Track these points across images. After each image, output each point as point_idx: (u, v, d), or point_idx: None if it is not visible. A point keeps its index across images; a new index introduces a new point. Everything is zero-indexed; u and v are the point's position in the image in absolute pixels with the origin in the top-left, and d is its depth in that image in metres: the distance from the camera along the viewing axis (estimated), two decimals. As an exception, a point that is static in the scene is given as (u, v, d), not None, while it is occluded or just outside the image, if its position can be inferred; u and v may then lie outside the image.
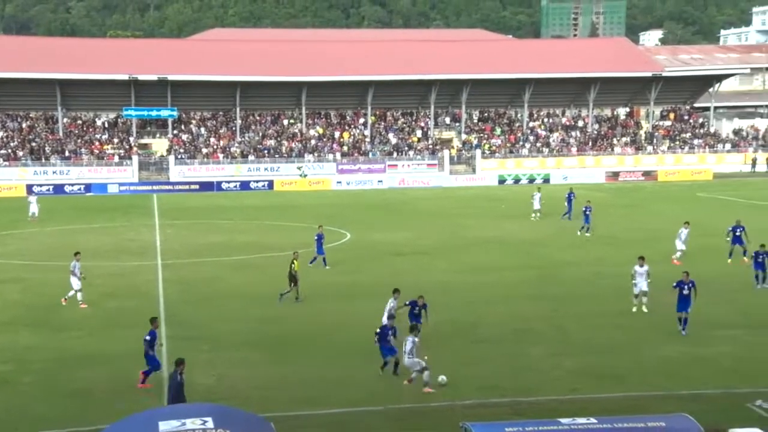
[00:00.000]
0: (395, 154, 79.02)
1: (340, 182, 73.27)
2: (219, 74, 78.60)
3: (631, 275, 25.57)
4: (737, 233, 33.59)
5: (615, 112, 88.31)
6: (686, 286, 22.56)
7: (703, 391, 17.59)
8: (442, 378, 18.63)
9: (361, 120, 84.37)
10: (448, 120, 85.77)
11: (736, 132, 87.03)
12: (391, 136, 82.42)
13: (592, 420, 10.63)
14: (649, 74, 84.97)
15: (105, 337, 22.85)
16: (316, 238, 33.33)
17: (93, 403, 17.66)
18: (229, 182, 71.93)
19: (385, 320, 20.54)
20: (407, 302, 21.79)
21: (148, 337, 18.76)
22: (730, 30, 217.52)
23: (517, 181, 74.37)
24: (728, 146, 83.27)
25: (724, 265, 31.95)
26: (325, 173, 75.23)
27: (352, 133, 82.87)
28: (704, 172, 75.52)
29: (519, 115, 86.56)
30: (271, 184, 72.31)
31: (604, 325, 22.20)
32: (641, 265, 25.45)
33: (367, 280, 30.52)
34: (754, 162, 78.90)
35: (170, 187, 70.11)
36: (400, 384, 18.59)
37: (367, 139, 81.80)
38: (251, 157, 77.13)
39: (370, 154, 78.91)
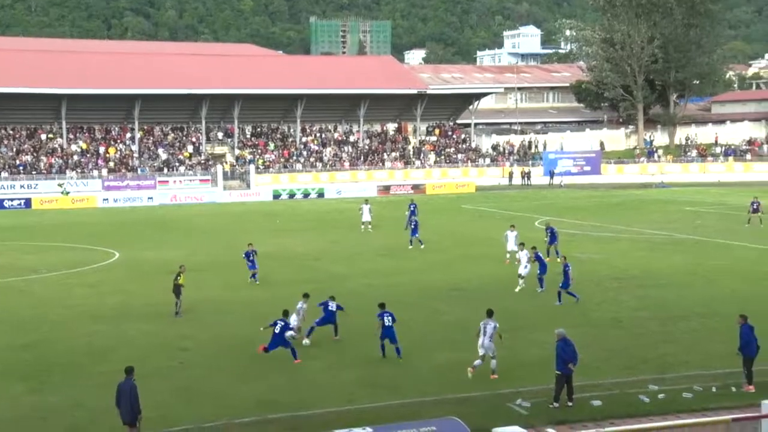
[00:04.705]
0: (166, 170, 76.88)
1: (106, 199, 70.13)
2: (-39, 85, 72.64)
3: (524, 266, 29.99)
4: (549, 233, 36.43)
5: (384, 128, 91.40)
6: (568, 266, 27.67)
7: (470, 394, 18.52)
8: (306, 341, 22.30)
9: (128, 135, 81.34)
10: (220, 135, 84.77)
11: (495, 147, 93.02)
12: (160, 151, 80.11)
13: (368, 429, 10.89)
14: (414, 91, 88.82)
15: None
16: (244, 256, 32.21)
17: None
18: (-21, 201, 66.68)
19: (295, 321, 22.74)
20: (319, 303, 23.55)
21: (291, 325, 21.79)
22: (485, 51, 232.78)
23: (292, 195, 74.88)
24: (488, 161, 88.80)
25: (486, 272, 33.91)
26: (90, 190, 71.66)
27: (118, 148, 79.65)
28: (468, 185, 79.97)
29: (292, 130, 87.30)
30: (28, 202, 67.82)
31: (377, 335, 22.76)
32: (522, 250, 30.73)
33: (137, 300, 29.40)
34: (510, 175, 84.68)
35: None
36: (171, 408, 17.99)
37: (135, 155, 78.99)
38: (4, 174, 71.93)
39: (139, 170, 76.28)
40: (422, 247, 40.34)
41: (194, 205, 69.48)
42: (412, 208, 46.81)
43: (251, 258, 32.29)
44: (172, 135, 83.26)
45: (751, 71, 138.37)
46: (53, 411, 18.03)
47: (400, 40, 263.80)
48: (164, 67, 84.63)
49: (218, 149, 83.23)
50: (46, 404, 18.45)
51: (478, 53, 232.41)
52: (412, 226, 41.77)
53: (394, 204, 63.04)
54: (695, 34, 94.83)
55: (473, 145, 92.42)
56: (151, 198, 71.16)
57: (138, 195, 71.47)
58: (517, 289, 29.69)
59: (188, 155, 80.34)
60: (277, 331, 21.38)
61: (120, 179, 73.86)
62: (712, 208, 57.62)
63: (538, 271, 29.74)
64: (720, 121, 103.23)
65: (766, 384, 18.33)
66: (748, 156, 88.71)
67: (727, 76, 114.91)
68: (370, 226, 47.66)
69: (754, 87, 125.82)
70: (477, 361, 19.60)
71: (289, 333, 21.50)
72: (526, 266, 30.12)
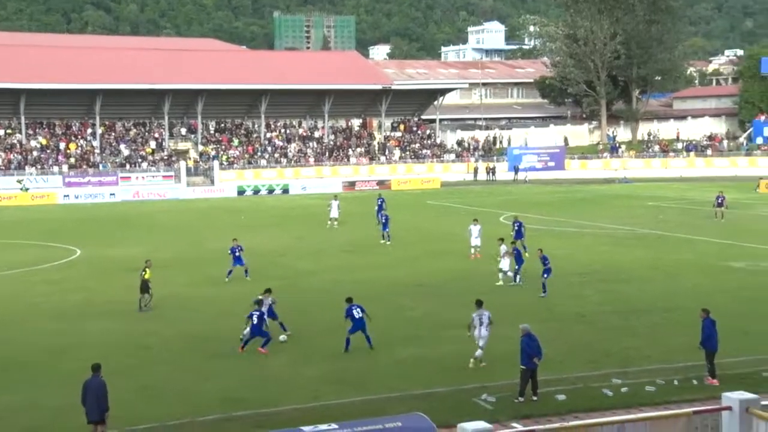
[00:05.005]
0: (128, 166, 76.06)
1: (67, 196, 69.20)
2: None
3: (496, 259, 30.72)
4: (517, 227, 36.43)
5: (349, 123, 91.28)
6: (546, 258, 28.14)
7: (435, 389, 18.56)
8: (282, 337, 22.05)
9: (89, 130, 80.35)
10: (183, 131, 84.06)
11: (459, 143, 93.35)
12: (122, 147, 79.26)
13: (333, 426, 10.81)
14: (379, 87, 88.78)
15: None
16: (229, 251, 32.03)
17: None
18: (-64, 198, 65.43)
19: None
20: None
21: (265, 317, 21.91)
22: (449, 47, 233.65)
23: (256, 192, 74.49)
24: (453, 156, 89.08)
25: (451, 267, 34.03)
26: (50, 186, 70.66)
27: (79, 144, 78.64)
28: (433, 181, 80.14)
29: (256, 125, 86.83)
30: (-13, 199, 66.76)
31: (342, 331, 22.79)
32: (501, 245, 30.80)
33: (99, 298, 29.08)
34: (476, 171, 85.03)
35: None
36: (134, 407, 17.80)
37: (97, 151, 78.06)
38: (-37, 171, 70.72)
39: (101, 166, 75.37)
40: (389, 243, 40.39)
41: (157, 201, 68.83)
42: (380, 203, 46.90)
43: (237, 254, 32.15)
44: (134, 130, 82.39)
45: (711, 67, 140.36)
46: (11, 411, 17.75)
47: (364, 35, 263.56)
48: (126, 61, 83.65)
49: (181, 145, 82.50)
50: (3, 404, 18.15)
51: (443, 49, 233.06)
52: (383, 221, 41.77)
53: (359, 200, 62.96)
54: (657, 31, 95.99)
55: (438, 141, 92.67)
56: (113, 194, 70.38)
57: (99, 191, 70.62)
58: (511, 283, 29.92)
59: (151, 151, 79.56)
60: (254, 322, 21.70)
61: (81, 175, 72.93)
62: (674, 203, 58.37)
63: (516, 267, 29.98)
64: (681, 116, 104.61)
65: (728, 377, 18.61)
66: (709, 151, 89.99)
67: (688, 72, 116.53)
68: (335, 223, 47.51)
69: (714, 83, 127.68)
70: (478, 352, 20.05)
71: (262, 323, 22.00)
72: (501, 260, 30.32)
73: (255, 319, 21.74)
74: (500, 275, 30.26)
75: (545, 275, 28.09)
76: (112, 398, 15.91)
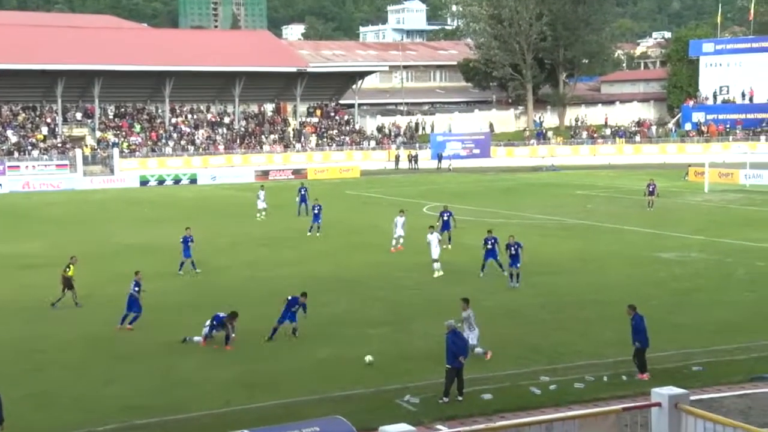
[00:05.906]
0: (16, 154, 73.84)
1: (-52, 187, 66.87)
2: None
3: (427, 243, 30.88)
4: (445, 218, 36.34)
5: (262, 108, 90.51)
6: (513, 248, 28.62)
7: (355, 391, 18.60)
8: (369, 358, 20.31)
9: (-27, 115, 77.66)
10: (79, 116, 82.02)
11: (380, 129, 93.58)
12: (10, 133, 76.89)
13: (247, 433, 10.77)
14: (294, 69, 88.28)
15: None
16: (181, 241, 31.86)
17: None
18: None
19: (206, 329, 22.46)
20: (288, 298, 22.79)
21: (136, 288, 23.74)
22: (368, 27, 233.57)
23: (161, 182, 73.25)
24: (373, 143, 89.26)
25: (371, 261, 34.15)
26: (-71, 177, 68.13)
27: (-38, 129, 75.96)
28: (352, 170, 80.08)
29: (160, 110, 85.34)
30: None
31: (257, 331, 22.63)
32: (431, 233, 31.08)
33: (-14, 299, 28.17)
34: (397, 159, 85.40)
35: None
36: (24, 417, 17.34)
37: (-18, 137, 75.53)
38: None
39: (-14, 155, 72.99)
40: (318, 234, 40.42)
41: (50, 192, 67.11)
42: (302, 192, 46.70)
43: (188, 244, 32.16)
44: (24, 115, 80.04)
45: (639, 50, 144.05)
46: None
47: (276, 13, 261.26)
48: (13, 39, 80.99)
49: (77, 131, 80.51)
50: None
51: (361, 29, 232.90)
52: (315, 212, 41.47)
53: (273, 190, 62.51)
54: (584, 11, 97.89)
55: (357, 127, 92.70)
56: (0, 185, 68.29)
57: (-16, 182, 68.54)
58: (435, 275, 30.15)
59: (42, 138, 77.42)
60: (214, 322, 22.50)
61: (-36, 165, 70.53)
62: (602, 192, 59.79)
63: (497, 256, 30.34)
64: (609, 101, 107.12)
65: (657, 371, 19.17)
66: (638, 138, 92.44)
67: (616, 55, 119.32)
68: (263, 214, 47.21)
69: (642, 66, 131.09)
70: (478, 350, 20.50)
71: (197, 338, 22.47)
72: (432, 249, 30.62)
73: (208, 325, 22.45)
74: (435, 265, 30.50)
75: (512, 264, 28.73)
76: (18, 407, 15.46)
